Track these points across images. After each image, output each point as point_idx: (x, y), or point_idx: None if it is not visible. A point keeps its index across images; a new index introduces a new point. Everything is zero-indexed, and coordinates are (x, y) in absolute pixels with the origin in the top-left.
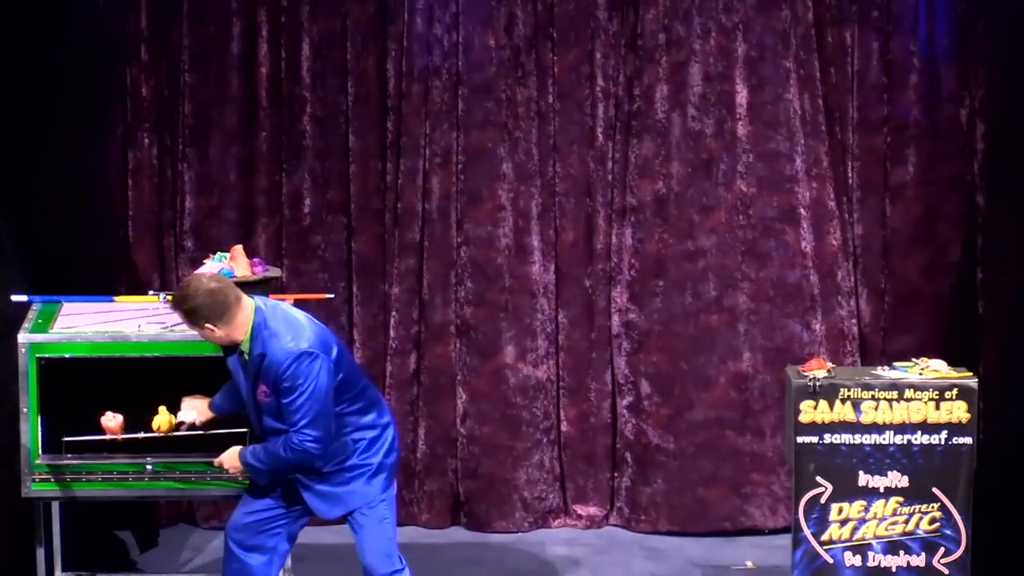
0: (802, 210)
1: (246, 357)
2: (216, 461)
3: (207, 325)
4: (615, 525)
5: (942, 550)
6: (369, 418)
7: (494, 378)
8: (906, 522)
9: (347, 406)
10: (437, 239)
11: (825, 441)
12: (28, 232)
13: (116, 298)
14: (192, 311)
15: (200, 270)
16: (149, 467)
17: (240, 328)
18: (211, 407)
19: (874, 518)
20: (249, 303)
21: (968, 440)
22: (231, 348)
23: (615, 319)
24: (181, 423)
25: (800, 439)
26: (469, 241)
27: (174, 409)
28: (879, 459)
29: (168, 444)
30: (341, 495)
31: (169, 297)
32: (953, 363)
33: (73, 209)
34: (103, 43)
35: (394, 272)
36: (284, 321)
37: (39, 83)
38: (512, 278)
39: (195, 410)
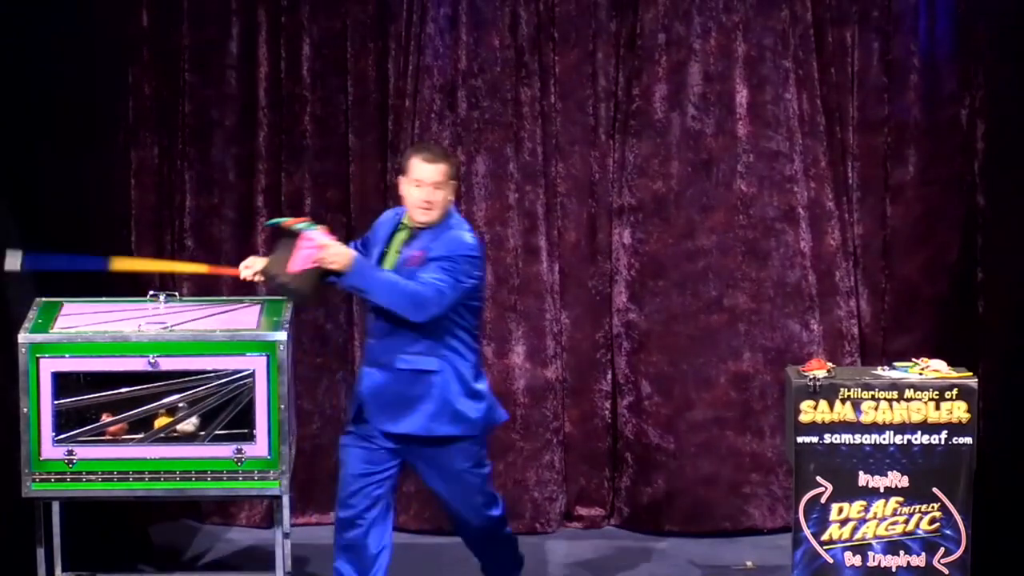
0: (802, 210)
1: (416, 229)
2: (320, 239)
3: (452, 182)
4: (615, 525)
5: (942, 550)
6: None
7: (503, 378)
8: (906, 522)
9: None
10: None
11: (825, 441)
12: (29, 232)
13: (112, 261)
14: (455, 168)
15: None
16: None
17: (443, 207)
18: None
19: (874, 518)
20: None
21: (968, 440)
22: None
23: (615, 319)
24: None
25: (800, 439)
26: None
27: (174, 409)
28: (879, 459)
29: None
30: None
31: (421, 150)
32: (953, 363)
33: (74, 208)
34: (104, 43)
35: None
36: (460, 220)
37: (40, 83)
38: (519, 278)
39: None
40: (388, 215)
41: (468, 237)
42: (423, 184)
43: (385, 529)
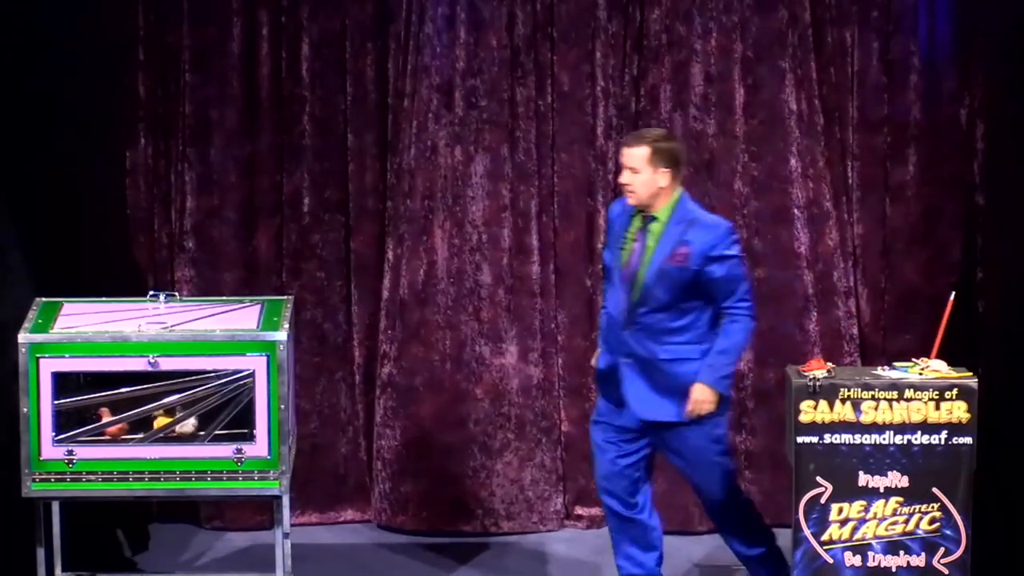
0: (802, 210)
1: (659, 224)
2: (689, 412)
3: (662, 169)
4: None
5: (942, 550)
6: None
7: (499, 377)
8: (906, 522)
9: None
10: (437, 239)
11: (825, 441)
12: (29, 232)
13: None
14: (666, 151)
15: None
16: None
17: (666, 194)
18: None
19: (874, 518)
20: (679, 185)
21: (968, 440)
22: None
23: None
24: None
25: (800, 439)
26: (471, 241)
27: (174, 409)
28: (879, 459)
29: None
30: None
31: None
32: (953, 363)
33: (74, 209)
34: (104, 43)
35: (389, 272)
36: (697, 206)
37: (40, 83)
38: (514, 278)
39: None
40: (616, 209)
41: (714, 218)
42: (623, 167)
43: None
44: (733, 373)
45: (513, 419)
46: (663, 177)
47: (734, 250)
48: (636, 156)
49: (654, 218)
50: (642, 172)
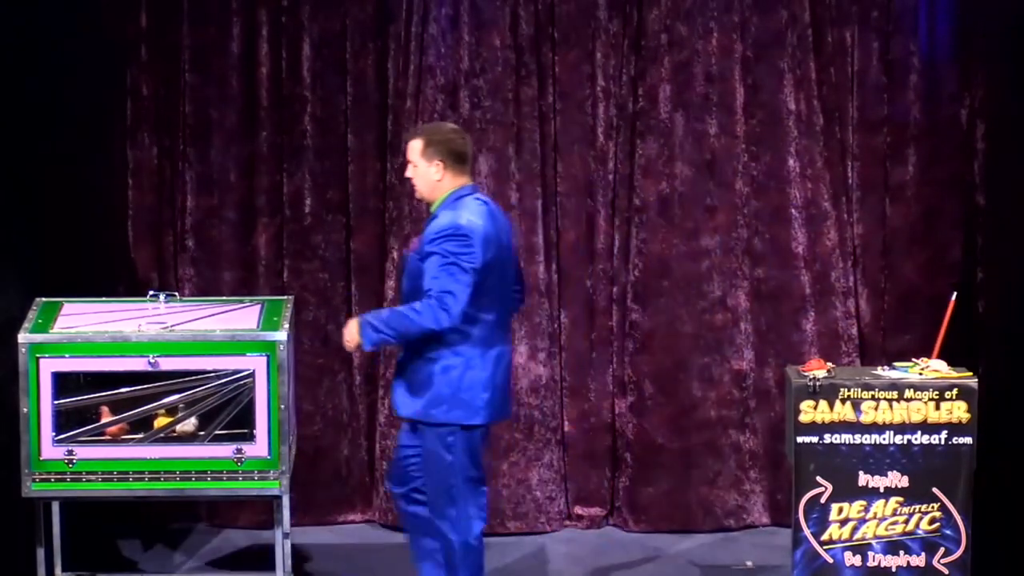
0: (803, 210)
1: (430, 214)
2: (346, 343)
3: (436, 161)
4: (615, 525)
5: (942, 550)
6: (464, 347)
7: None
8: (906, 522)
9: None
10: None
11: (825, 441)
12: (29, 232)
13: None
14: (440, 144)
15: None
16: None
17: (442, 189)
18: None
19: (874, 518)
20: (466, 180)
21: (968, 440)
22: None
23: (616, 319)
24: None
25: (800, 439)
26: None
27: (174, 409)
28: (879, 459)
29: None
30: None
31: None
32: (953, 363)
33: (74, 209)
34: (104, 43)
35: (393, 272)
36: (470, 204)
37: (41, 83)
38: None
39: None
40: None
41: (455, 215)
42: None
43: None
44: (388, 337)
45: (521, 419)
46: (436, 170)
47: (447, 246)
48: (412, 149)
49: (431, 217)
50: (418, 165)
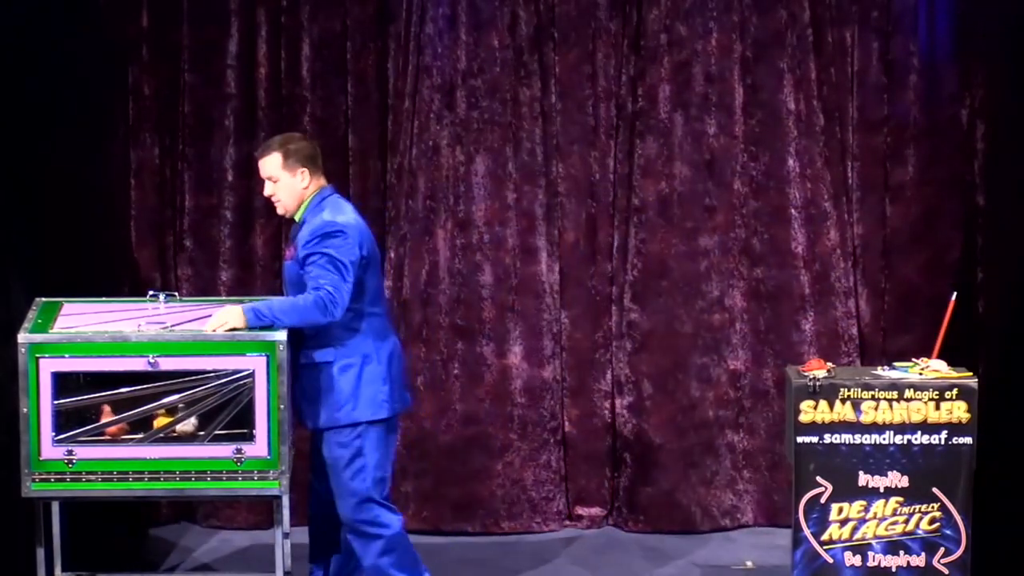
0: (803, 210)
1: (296, 223)
2: (209, 327)
3: (300, 169)
4: (615, 525)
5: (942, 550)
6: (357, 344)
7: (502, 378)
8: (906, 522)
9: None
10: (439, 239)
11: (825, 441)
12: (30, 232)
13: None
14: (297, 151)
15: None
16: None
17: (308, 193)
18: None
19: (874, 518)
20: (324, 181)
21: (968, 440)
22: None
23: (615, 319)
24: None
25: (800, 439)
26: (473, 241)
27: (173, 409)
28: (879, 459)
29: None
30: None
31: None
32: (953, 363)
33: (75, 209)
34: (104, 43)
35: (391, 272)
36: (337, 202)
37: (41, 83)
38: (518, 278)
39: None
40: None
41: (325, 215)
42: (264, 180)
43: None
44: (273, 322)
45: (516, 419)
46: (302, 178)
47: (326, 245)
48: (270, 164)
49: (299, 225)
50: (280, 179)
